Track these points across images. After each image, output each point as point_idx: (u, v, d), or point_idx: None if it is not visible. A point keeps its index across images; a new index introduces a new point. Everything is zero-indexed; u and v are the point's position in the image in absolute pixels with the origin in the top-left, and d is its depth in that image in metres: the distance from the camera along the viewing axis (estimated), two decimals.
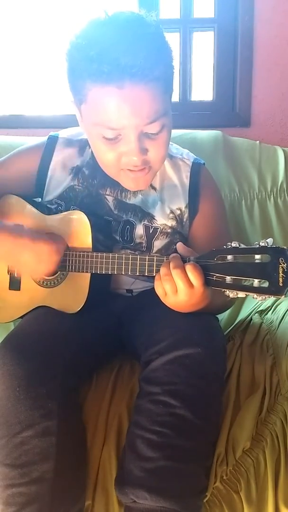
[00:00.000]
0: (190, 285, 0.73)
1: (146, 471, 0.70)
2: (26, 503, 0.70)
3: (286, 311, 1.02)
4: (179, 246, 0.79)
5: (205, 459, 0.75)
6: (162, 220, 0.96)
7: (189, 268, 0.72)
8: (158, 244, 0.97)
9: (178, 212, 0.96)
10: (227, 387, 0.85)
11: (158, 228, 0.96)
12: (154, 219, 0.96)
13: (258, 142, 1.41)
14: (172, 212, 0.96)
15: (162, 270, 0.76)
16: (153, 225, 0.96)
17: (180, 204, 0.96)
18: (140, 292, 1.00)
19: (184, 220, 0.97)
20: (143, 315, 0.77)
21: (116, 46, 0.73)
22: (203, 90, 1.60)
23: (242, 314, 1.12)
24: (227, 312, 1.12)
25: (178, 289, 0.74)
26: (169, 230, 0.96)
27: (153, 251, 0.97)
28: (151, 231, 0.96)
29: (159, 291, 0.77)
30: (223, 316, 1.12)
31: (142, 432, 0.73)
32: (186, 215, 0.96)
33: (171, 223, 0.96)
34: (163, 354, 0.75)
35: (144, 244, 0.96)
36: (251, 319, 1.05)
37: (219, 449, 0.78)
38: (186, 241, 0.98)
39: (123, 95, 0.75)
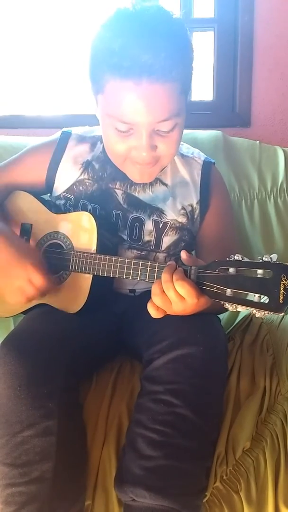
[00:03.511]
0: (182, 298, 0.72)
1: (146, 469, 0.70)
2: (25, 503, 0.70)
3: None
4: (183, 254, 0.77)
5: (205, 458, 0.75)
6: (173, 215, 0.96)
7: (178, 285, 0.71)
8: (167, 240, 0.97)
9: (190, 208, 0.97)
10: (227, 387, 0.85)
11: (168, 223, 0.96)
12: (164, 213, 0.96)
13: (258, 142, 1.41)
14: (183, 208, 0.96)
15: (154, 289, 0.74)
16: (163, 220, 0.96)
17: (191, 200, 0.97)
18: (143, 292, 1.00)
19: (195, 216, 0.97)
20: (145, 314, 0.77)
21: (139, 42, 0.74)
22: (203, 90, 1.60)
23: (242, 314, 1.12)
24: (227, 312, 1.12)
25: (172, 301, 0.73)
26: (178, 225, 0.97)
27: (162, 248, 0.97)
28: (160, 226, 0.96)
29: (152, 311, 0.75)
30: (223, 316, 1.12)
31: (142, 431, 0.73)
32: (197, 211, 0.97)
33: (182, 219, 0.96)
34: (165, 353, 0.75)
35: (153, 241, 0.96)
36: (251, 319, 1.05)
37: (219, 449, 0.78)
38: (194, 238, 0.99)
39: (140, 92, 0.76)
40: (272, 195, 1.34)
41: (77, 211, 0.94)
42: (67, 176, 0.98)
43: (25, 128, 1.51)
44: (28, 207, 0.99)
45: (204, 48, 1.57)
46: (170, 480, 0.70)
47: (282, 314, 0.63)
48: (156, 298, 0.74)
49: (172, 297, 0.72)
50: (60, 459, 0.72)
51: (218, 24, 1.53)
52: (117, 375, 0.91)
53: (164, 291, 0.73)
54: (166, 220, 0.96)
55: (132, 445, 0.73)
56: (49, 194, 1.02)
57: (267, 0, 1.47)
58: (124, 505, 0.74)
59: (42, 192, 1.02)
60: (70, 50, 1.61)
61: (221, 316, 1.03)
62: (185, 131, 1.34)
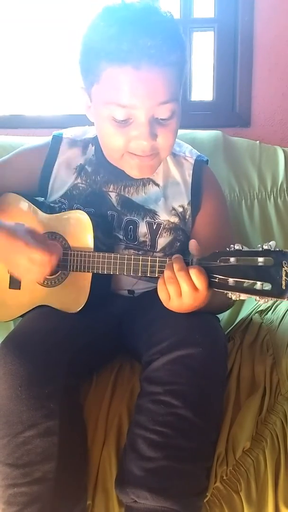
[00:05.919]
0: (195, 288, 0.72)
1: (147, 471, 0.71)
2: (27, 503, 0.70)
3: (286, 311, 1.02)
4: (192, 243, 0.77)
5: (205, 459, 0.76)
6: (165, 216, 0.96)
7: (194, 272, 0.71)
8: (162, 241, 0.97)
9: (181, 209, 0.96)
10: (227, 387, 0.86)
11: (161, 224, 0.96)
12: (157, 214, 0.96)
13: (258, 142, 1.41)
14: (174, 209, 0.96)
15: (166, 273, 0.75)
16: (156, 221, 0.96)
17: (182, 201, 0.96)
18: (142, 293, 1.00)
19: (187, 217, 0.97)
20: (144, 315, 0.77)
21: (135, 28, 0.74)
22: (203, 90, 1.60)
23: (242, 314, 1.12)
24: (227, 312, 1.13)
25: (183, 292, 0.73)
26: (171, 226, 0.96)
27: (157, 249, 0.97)
28: (154, 227, 0.96)
29: (162, 295, 0.76)
30: (223, 316, 1.12)
31: (143, 432, 0.73)
32: (188, 212, 0.96)
33: (174, 219, 0.96)
34: (164, 354, 0.75)
35: (148, 242, 0.96)
36: (251, 319, 1.05)
37: (219, 449, 0.78)
38: (188, 238, 0.99)
39: (139, 76, 0.76)
40: (272, 195, 1.34)
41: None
42: (62, 182, 0.97)
43: (25, 128, 1.51)
44: (20, 208, 0.98)
45: (204, 48, 1.56)
46: (171, 481, 0.70)
47: (285, 299, 0.64)
48: (169, 284, 0.73)
49: (185, 287, 0.72)
50: (62, 459, 0.72)
51: (218, 24, 1.53)
52: (117, 375, 0.91)
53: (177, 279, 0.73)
54: (159, 221, 0.96)
55: (133, 446, 0.74)
56: (42, 198, 1.01)
57: (267, 0, 1.47)
58: (125, 506, 0.75)
59: (35, 195, 1.00)
60: (70, 50, 1.61)
61: (221, 316, 1.03)
62: (185, 131, 1.37)
